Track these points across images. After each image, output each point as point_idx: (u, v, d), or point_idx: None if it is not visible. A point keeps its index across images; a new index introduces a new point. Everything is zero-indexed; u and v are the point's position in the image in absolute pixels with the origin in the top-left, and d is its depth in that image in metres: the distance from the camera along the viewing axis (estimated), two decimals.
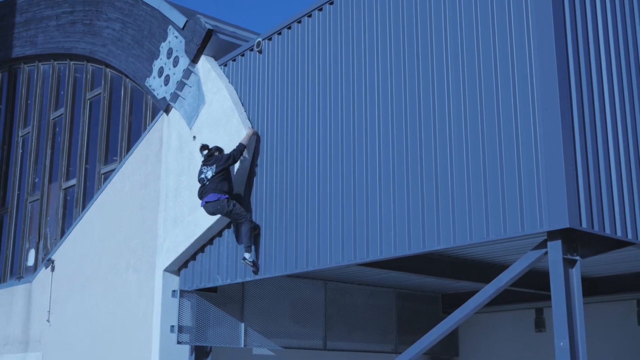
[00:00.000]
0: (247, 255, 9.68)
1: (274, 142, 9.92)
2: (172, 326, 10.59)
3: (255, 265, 9.70)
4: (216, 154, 9.97)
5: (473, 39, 7.63)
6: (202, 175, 9.88)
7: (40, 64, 15.74)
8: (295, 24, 9.92)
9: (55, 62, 15.24)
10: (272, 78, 10.18)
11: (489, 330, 14.56)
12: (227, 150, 10.00)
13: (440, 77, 7.89)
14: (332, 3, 9.40)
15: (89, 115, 14.03)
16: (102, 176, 13.14)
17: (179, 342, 10.56)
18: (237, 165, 10.15)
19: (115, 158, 13.03)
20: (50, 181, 14.73)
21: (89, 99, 14.10)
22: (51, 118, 15.11)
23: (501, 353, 14.39)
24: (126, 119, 12.92)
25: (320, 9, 9.56)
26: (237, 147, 9.93)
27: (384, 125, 8.41)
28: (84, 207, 13.37)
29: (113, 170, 12.77)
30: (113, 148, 13.15)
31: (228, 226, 10.31)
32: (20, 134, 16.07)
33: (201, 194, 9.87)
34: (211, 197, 9.74)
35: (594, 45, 7.32)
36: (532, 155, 6.87)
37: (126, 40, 12.73)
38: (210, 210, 9.81)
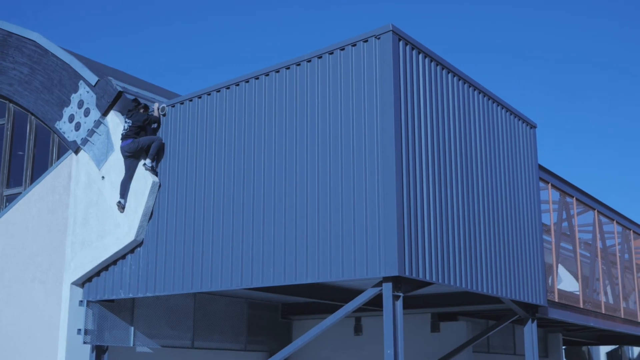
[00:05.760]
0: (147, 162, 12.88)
1: (175, 188, 12.69)
2: (79, 329, 13.07)
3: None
4: (140, 111, 13.07)
5: (338, 127, 10.83)
6: (125, 124, 12.98)
7: None
8: (196, 98, 12.78)
9: None
10: (174, 136, 12.95)
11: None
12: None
13: (312, 156, 11.02)
14: (228, 88, 12.34)
15: None
16: (5, 197, 15.14)
17: (84, 343, 13.09)
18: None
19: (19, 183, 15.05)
20: None
21: None
22: None
23: (326, 351, 17.99)
24: (31, 151, 14.94)
25: (218, 91, 12.47)
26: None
27: (268, 183, 11.38)
28: None
29: (17, 194, 14.84)
30: (16, 174, 15.14)
31: (131, 251, 12.98)
32: None
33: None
34: (122, 143, 12.88)
35: (418, 150, 10.85)
36: (375, 224, 10.22)
37: (35, 84, 14.71)
38: (126, 151, 12.87)
